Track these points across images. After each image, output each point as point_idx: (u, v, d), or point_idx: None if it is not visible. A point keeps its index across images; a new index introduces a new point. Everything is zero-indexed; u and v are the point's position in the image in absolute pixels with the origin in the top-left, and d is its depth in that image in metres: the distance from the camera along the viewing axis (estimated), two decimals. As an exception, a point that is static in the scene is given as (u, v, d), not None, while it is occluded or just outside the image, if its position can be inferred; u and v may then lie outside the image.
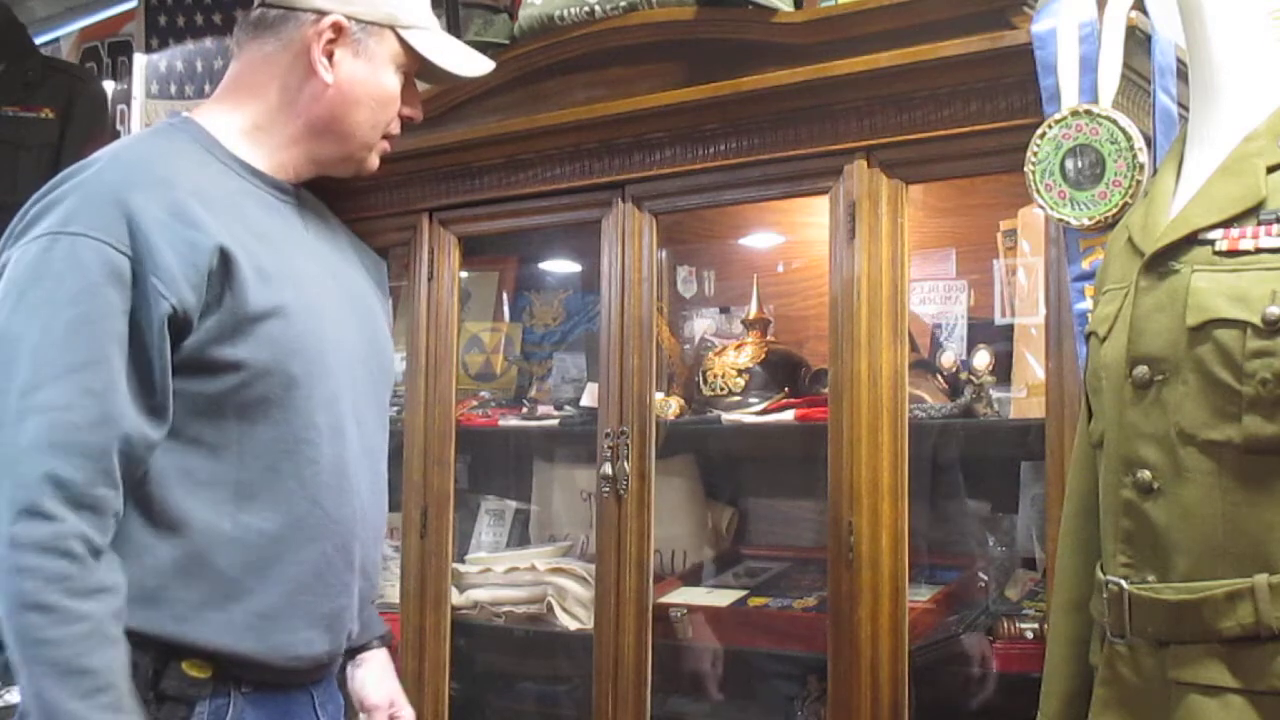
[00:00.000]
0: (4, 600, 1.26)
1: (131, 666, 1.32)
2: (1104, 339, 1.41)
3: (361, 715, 1.68)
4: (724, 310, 2.77)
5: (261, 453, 1.41)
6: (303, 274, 1.49)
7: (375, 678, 1.68)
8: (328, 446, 1.46)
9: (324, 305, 1.50)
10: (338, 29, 1.48)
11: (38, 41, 3.83)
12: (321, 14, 1.48)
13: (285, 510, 1.42)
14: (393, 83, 1.52)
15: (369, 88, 1.50)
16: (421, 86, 2.62)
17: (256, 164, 1.51)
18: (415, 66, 1.55)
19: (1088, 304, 1.70)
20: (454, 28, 2.43)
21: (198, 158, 1.47)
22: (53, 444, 1.27)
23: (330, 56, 1.48)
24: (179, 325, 1.36)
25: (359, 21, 1.49)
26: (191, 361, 1.37)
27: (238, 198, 1.47)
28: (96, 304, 1.32)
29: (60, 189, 1.38)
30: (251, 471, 1.40)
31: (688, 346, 2.74)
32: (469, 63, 1.60)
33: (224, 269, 1.38)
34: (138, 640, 1.34)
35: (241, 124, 1.51)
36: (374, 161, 1.57)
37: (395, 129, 1.56)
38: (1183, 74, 1.72)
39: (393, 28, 1.51)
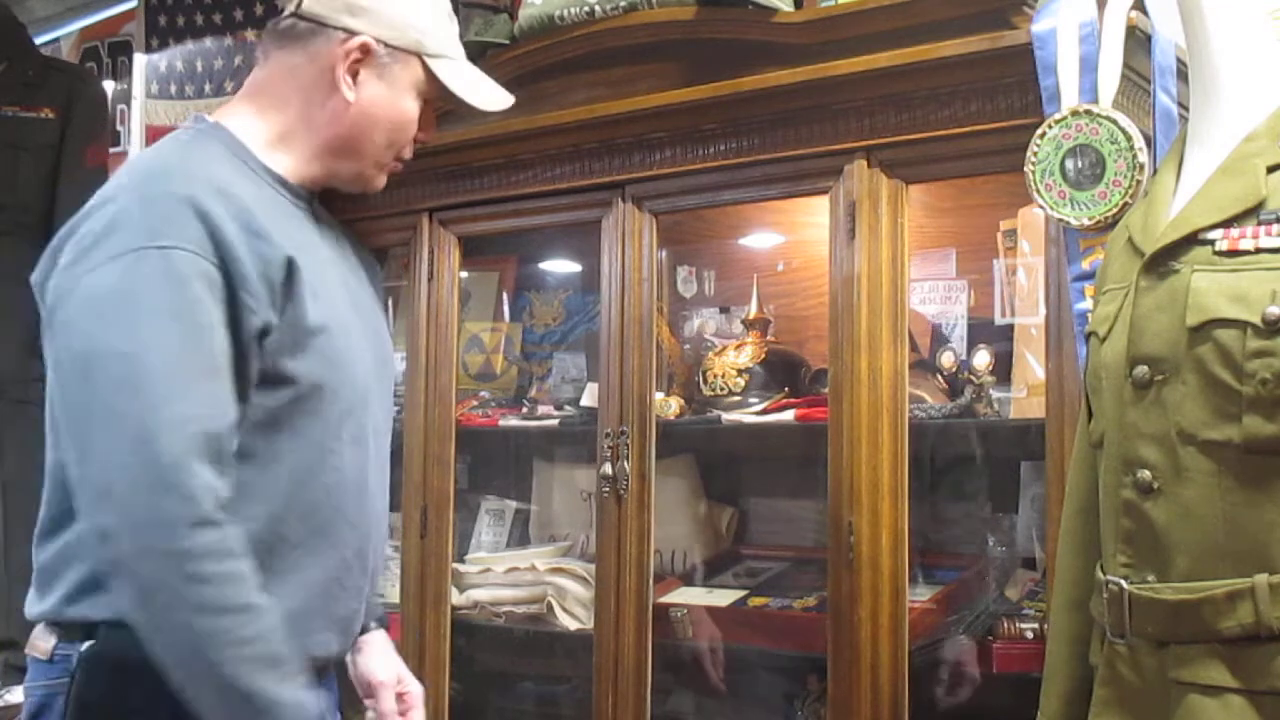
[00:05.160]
0: (184, 612, 1.26)
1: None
2: (1104, 339, 1.41)
3: (368, 702, 1.68)
4: (724, 310, 2.77)
5: (295, 463, 1.42)
6: (334, 286, 1.51)
7: (379, 657, 1.68)
8: (349, 456, 1.48)
9: (350, 317, 1.51)
10: (365, 50, 1.48)
11: (38, 41, 3.83)
12: (351, 33, 1.48)
13: (311, 518, 1.44)
14: (411, 108, 1.54)
15: (388, 110, 1.51)
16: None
17: (282, 174, 1.51)
18: (436, 93, 1.56)
19: (1088, 304, 1.70)
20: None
21: (234, 165, 1.47)
22: (203, 453, 1.28)
23: (355, 76, 1.49)
24: (259, 339, 1.37)
25: (387, 46, 1.50)
26: (258, 375, 1.38)
27: (273, 208, 1.47)
28: (201, 315, 1.32)
29: (112, 206, 1.36)
30: (287, 482, 1.41)
31: (688, 346, 2.74)
32: (491, 97, 1.61)
33: (287, 282, 1.39)
34: None
35: (267, 134, 1.51)
36: (381, 181, 1.59)
37: (408, 153, 1.58)
38: (1183, 74, 1.72)
39: (419, 55, 1.52)
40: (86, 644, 1.37)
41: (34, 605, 1.43)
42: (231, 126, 1.51)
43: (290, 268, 1.39)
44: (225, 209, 1.36)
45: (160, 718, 1.34)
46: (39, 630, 1.43)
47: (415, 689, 1.68)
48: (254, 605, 1.29)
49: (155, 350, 1.29)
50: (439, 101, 1.60)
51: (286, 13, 1.53)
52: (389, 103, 1.51)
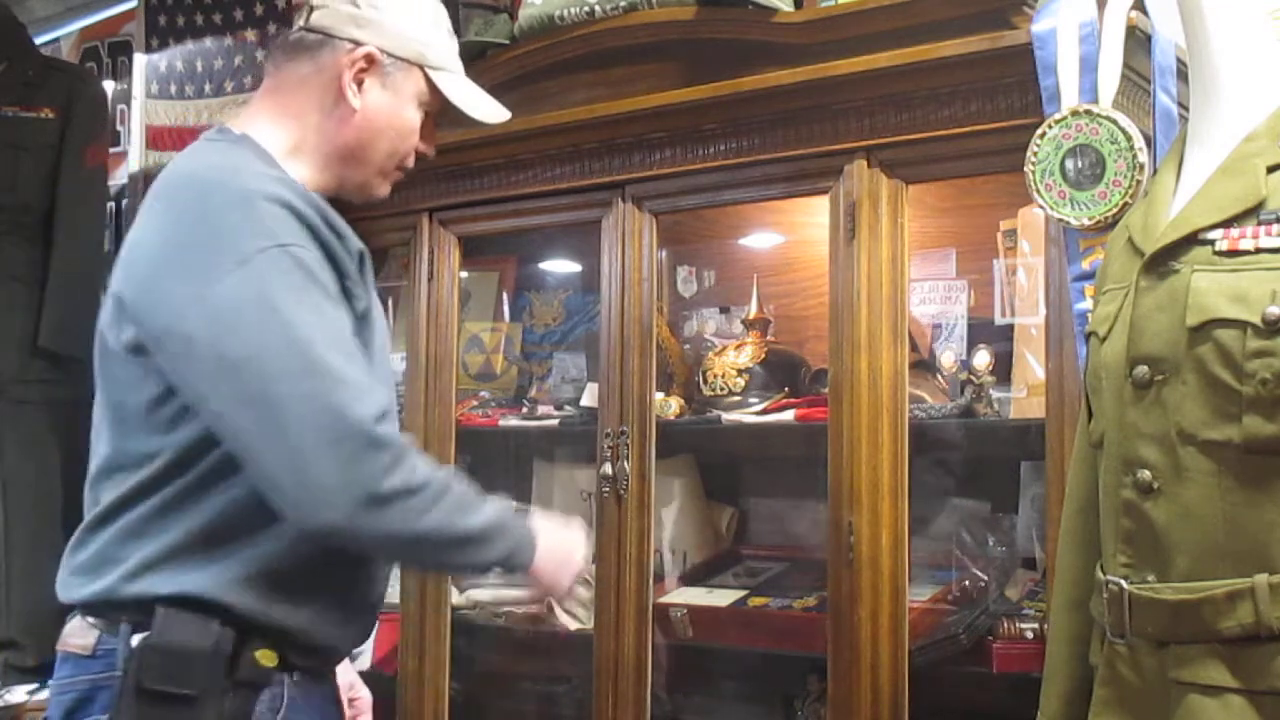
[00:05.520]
0: (423, 518, 1.37)
1: (214, 649, 1.37)
2: (1104, 339, 1.41)
3: None
4: (724, 310, 2.77)
5: None
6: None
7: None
8: None
9: (377, 313, 1.57)
10: (370, 60, 1.54)
11: (38, 41, 3.83)
12: (357, 44, 1.54)
13: None
14: (414, 116, 1.59)
15: (391, 118, 1.57)
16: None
17: (302, 184, 1.54)
18: (437, 106, 1.62)
19: (1088, 304, 1.70)
20: (454, 28, 2.43)
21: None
22: (381, 415, 1.35)
23: (360, 85, 1.55)
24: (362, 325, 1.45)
25: (390, 56, 1.56)
26: None
27: None
28: (332, 305, 1.39)
29: (208, 219, 1.38)
30: None
31: (688, 346, 2.74)
32: (488, 109, 1.68)
33: (361, 275, 1.47)
34: (234, 618, 1.38)
35: (285, 144, 1.54)
36: (385, 190, 1.65)
37: (409, 162, 1.63)
38: (1183, 74, 1.72)
39: (421, 66, 1.59)
40: (139, 635, 1.38)
41: (81, 588, 1.42)
42: (253, 136, 1.54)
43: (363, 261, 1.47)
44: (307, 206, 1.42)
45: (218, 701, 1.37)
46: (76, 626, 1.44)
47: (365, 695, 1.76)
48: (445, 477, 1.42)
49: (311, 341, 1.34)
50: (439, 115, 1.64)
51: (295, 27, 1.58)
52: (393, 111, 1.57)
